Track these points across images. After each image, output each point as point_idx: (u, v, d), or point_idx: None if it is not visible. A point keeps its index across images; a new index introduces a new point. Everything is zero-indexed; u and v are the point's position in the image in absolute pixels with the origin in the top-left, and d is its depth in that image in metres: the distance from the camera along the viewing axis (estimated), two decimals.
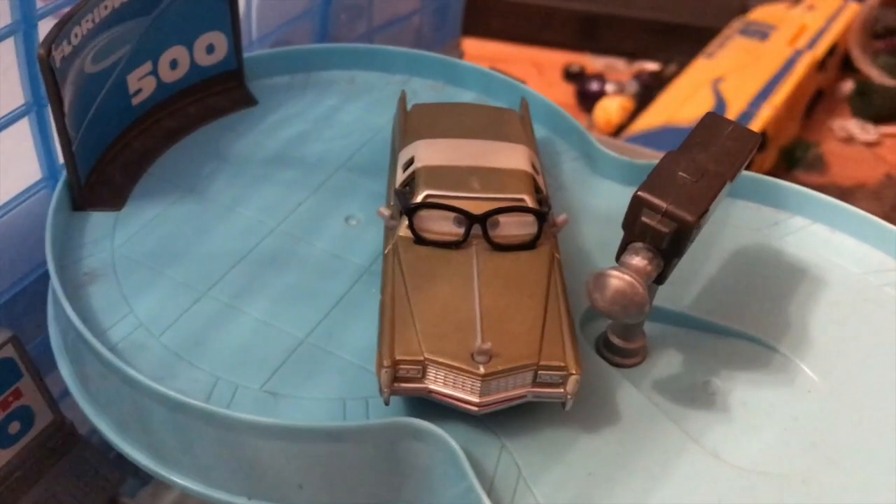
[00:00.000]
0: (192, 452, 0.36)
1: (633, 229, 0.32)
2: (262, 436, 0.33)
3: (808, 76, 1.12)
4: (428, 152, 0.39)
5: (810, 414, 0.36)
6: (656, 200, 0.31)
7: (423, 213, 0.37)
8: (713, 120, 0.36)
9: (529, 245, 0.37)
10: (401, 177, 0.39)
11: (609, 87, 1.19)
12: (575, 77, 1.24)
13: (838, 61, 1.23)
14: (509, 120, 0.43)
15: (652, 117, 1.06)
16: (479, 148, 0.40)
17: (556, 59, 1.28)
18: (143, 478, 0.56)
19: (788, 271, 0.42)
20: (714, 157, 0.33)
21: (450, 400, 0.33)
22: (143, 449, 0.37)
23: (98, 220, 0.42)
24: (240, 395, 0.35)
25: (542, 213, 0.37)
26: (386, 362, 0.32)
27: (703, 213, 0.31)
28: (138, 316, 0.38)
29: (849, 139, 1.15)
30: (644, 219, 0.32)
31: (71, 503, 0.44)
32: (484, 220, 0.36)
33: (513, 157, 0.39)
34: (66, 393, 0.40)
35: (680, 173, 0.32)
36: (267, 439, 0.33)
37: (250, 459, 0.34)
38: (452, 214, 0.36)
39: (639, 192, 0.32)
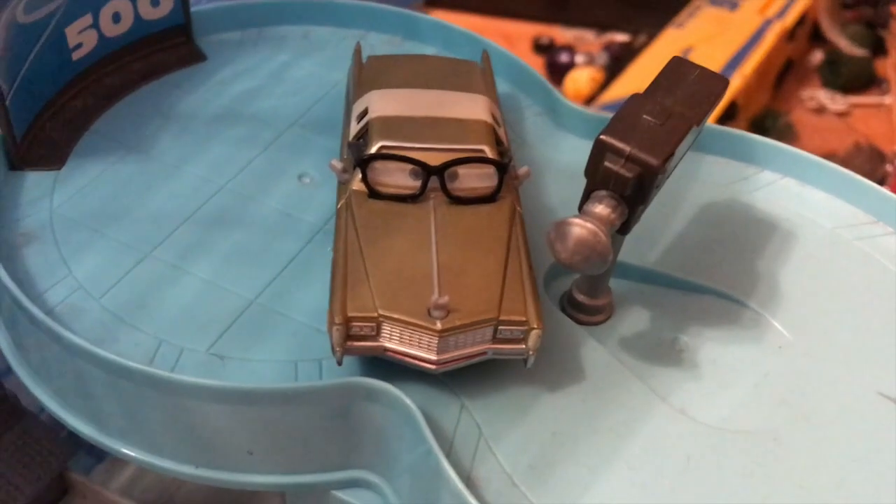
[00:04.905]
0: (136, 420, 0.34)
1: (596, 175, 0.30)
2: (208, 400, 0.32)
3: (778, 46, 1.11)
4: (383, 103, 0.37)
5: (781, 370, 0.35)
6: (619, 144, 0.30)
7: (378, 165, 0.35)
8: (680, 64, 0.34)
9: (490, 198, 0.35)
10: (355, 129, 0.37)
11: (579, 59, 1.18)
12: (544, 49, 1.22)
13: (808, 31, 1.22)
14: (469, 71, 0.41)
15: (622, 88, 1.05)
16: (437, 98, 0.38)
17: (526, 30, 1.26)
18: (97, 454, 0.54)
19: (758, 226, 0.41)
20: (680, 100, 0.32)
21: (406, 358, 0.31)
22: (86, 418, 0.35)
23: (36, 180, 0.40)
24: (185, 359, 0.33)
25: (502, 165, 0.35)
26: (338, 320, 0.30)
27: (668, 157, 0.30)
28: (77, 278, 0.36)
29: (819, 109, 1.15)
30: (607, 164, 0.30)
31: (14, 479, 0.42)
32: (441, 171, 0.34)
33: (472, 107, 0.37)
34: (10, 369, 0.38)
35: (644, 116, 0.31)
36: (213, 403, 0.32)
37: (197, 426, 0.33)
38: (408, 166, 0.35)
39: (601, 136, 0.30)
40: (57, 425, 0.44)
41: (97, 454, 0.54)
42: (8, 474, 0.42)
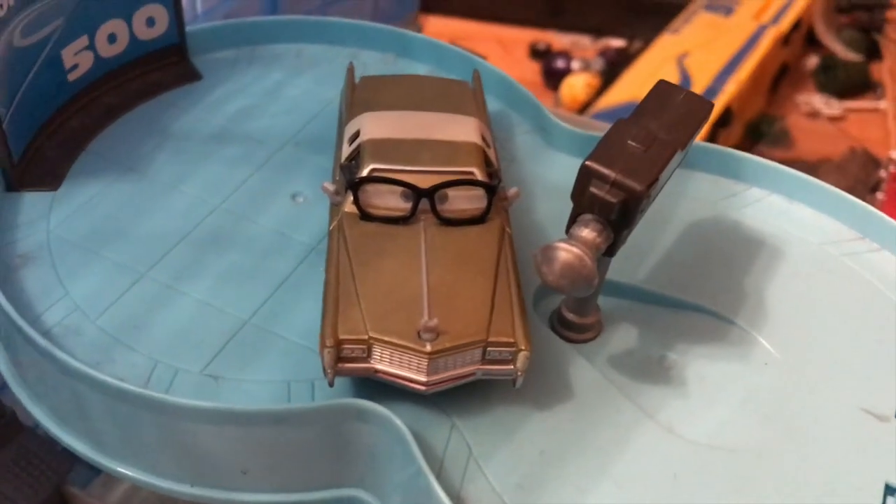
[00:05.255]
0: (132, 440, 0.34)
1: (582, 200, 0.31)
2: (202, 421, 0.32)
3: (773, 51, 1.12)
4: (374, 125, 0.38)
5: (767, 387, 0.36)
6: (604, 170, 0.30)
7: (369, 187, 0.35)
8: (665, 88, 0.35)
9: (479, 219, 0.36)
10: (346, 151, 0.38)
11: (575, 65, 1.18)
12: (541, 55, 1.23)
13: (803, 36, 1.22)
14: (460, 92, 0.42)
15: (618, 94, 1.05)
16: (428, 120, 0.38)
17: (522, 36, 1.27)
18: (94, 467, 0.55)
19: (746, 243, 0.41)
20: (665, 125, 0.32)
21: (397, 380, 0.32)
22: (83, 437, 0.36)
23: (33, 201, 0.40)
24: (179, 380, 0.34)
25: (491, 187, 0.36)
26: (329, 342, 0.31)
27: (652, 183, 0.30)
28: (74, 299, 0.36)
29: (813, 114, 1.15)
30: (592, 189, 0.30)
31: (12, 494, 0.42)
32: (432, 194, 0.35)
33: (462, 129, 0.38)
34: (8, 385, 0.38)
35: (629, 142, 0.31)
36: (208, 424, 0.32)
37: (192, 446, 0.33)
38: (399, 189, 0.35)
39: (587, 162, 0.31)
40: (55, 440, 0.45)
41: (95, 467, 0.55)
42: (6, 489, 0.43)
